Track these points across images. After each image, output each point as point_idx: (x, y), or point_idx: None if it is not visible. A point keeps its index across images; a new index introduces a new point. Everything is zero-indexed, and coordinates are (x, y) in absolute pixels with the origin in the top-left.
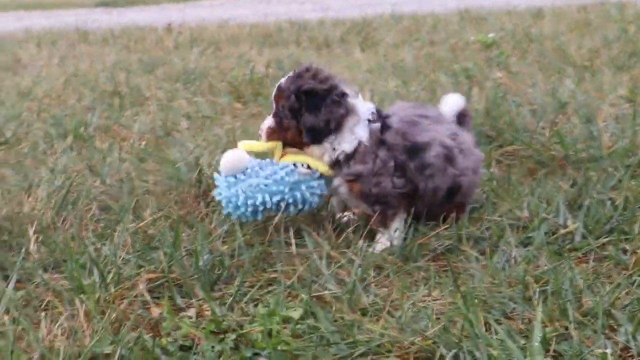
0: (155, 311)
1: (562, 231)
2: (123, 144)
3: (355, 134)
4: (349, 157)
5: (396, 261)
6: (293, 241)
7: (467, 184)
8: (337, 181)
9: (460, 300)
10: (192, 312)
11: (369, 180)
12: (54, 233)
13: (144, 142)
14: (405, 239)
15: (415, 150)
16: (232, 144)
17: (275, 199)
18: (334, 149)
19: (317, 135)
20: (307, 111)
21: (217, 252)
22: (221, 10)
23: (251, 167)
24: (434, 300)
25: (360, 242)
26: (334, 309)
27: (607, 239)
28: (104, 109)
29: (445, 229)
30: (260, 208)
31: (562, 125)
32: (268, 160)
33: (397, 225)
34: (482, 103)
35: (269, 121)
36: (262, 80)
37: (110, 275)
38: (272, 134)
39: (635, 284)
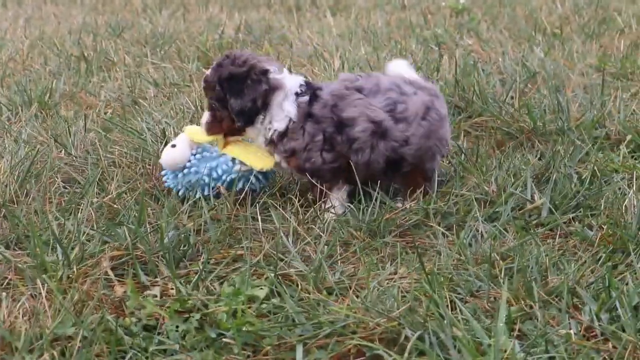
0: (119, 290)
1: (529, 206)
2: (89, 112)
3: (285, 110)
4: (282, 134)
5: (363, 237)
6: (259, 217)
7: (414, 152)
8: (277, 157)
9: (426, 278)
10: (156, 290)
11: (301, 156)
12: (16, 207)
13: (110, 111)
14: (373, 213)
15: (341, 125)
16: (199, 114)
17: (214, 192)
18: (268, 128)
19: (247, 117)
20: (232, 96)
21: (183, 229)
22: None
23: (191, 163)
24: (400, 278)
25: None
26: (299, 287)
27: (573, 214)
28: (70, 74)
29: (413, 204)
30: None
31: (531, 96)
32: (209, 150)
33: (336, 196)
34: (452, 72)
35: (206, 116)
36: (231, 45)
37: (74, 253)
38: (211, 128)
39: (600, 261)
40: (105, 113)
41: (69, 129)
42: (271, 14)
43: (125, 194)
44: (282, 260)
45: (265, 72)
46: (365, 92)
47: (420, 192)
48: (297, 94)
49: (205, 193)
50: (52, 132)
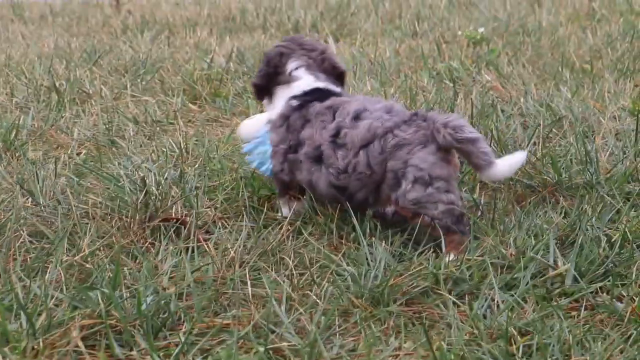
0: None
1: (552, 273)
2: (60, 154)
3: (279, 104)
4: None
5: (366, 305)
6: (249, 281)
7: (355, 182)
8: None
9: (433, 356)
10: None
11: (272, 152)
12: None
13: (84, 152)
14: (376, 278)
15: (298, 144)
16: (184, 158)
17: None
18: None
19: (257, 91)
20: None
21: (163, 293)
22: None
23: (263, 135)
24: (405, 355)
25: (325, 282)
26: None
27: (601, 284)
28: (40, 108)
29: (420, 268)
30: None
31: (557, 143)
32: None
33: (285, 210)
34: (468, 112)
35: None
36: (221, 76)
37: (40, 320)
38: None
39: (631, 339)
40: (78, 154)
41: (37, 174)
42: (267, 39)
43: (99, 251)
44: (273, 332)
45: (285, 60)
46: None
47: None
48: (294, 96)
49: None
50: (17, 177)
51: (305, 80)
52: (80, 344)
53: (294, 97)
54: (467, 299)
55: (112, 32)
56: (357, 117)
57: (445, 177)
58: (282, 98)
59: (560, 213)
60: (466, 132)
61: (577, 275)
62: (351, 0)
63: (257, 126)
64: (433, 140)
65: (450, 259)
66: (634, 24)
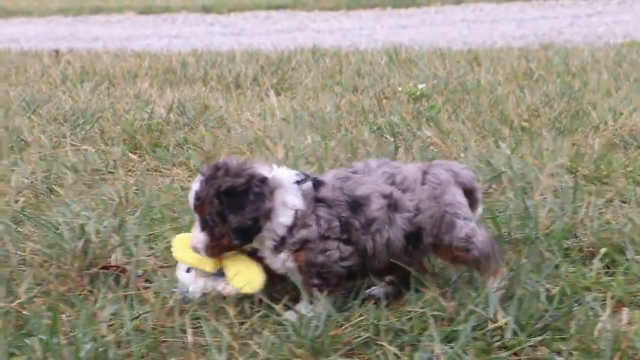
0: None
1: (491, 326)
2: None
3: (289, 204)
4: (290, 228)
5: (306, 355)
6: (189, 329)
7: (428, 218)
8: (283, 256)
9: None
10: None
11: (315, 246)
12: None
13: (21, 199)
14: (317, 328)
15: (356, 205)
16: (123, 206)
17: None
18: (273, 230)
19: (247, 235)
20: (231, 212)
21: (101, 341)
22: (119, 29)
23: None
24: None
25: (266, 331)
26: None
27: (540, 337)
28: None
29: (361, 319)
30: None
31: (496, 199)
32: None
33: (326, 302)
34: None
35: (200, 237)
36: (161, 127)
37: None
38: (212, 249)
39: None
40: (16, 202)
41: None
42: (207, 92)
43: (37, 298)
44: None
45: (264, 181)
46: (361, 172)
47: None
48: (297, 182)
49: None
50: None
51: (281, 172)
52: None
53: (298, 182)
54: (407, 350)
55: (51, 81)
56: (395, 167)
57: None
58: (286, 198)
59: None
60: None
61: (516, 329)
62: (292, 55)
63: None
64: (456, 182)
65: (496, 285)
66: (571, 84)
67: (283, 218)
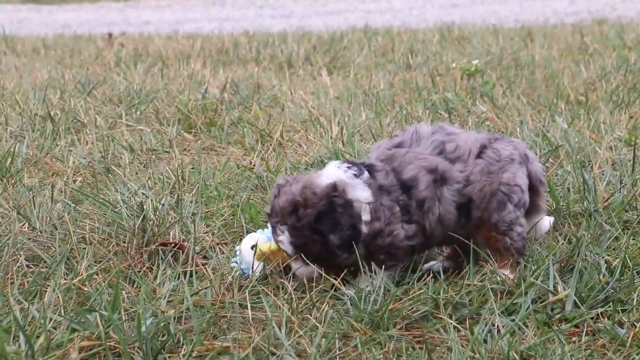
0: None
1: (552, 298)
2: (56, 181)
3: (362, 199)
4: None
5: (365, 329)
6: (249, 304)
7: (478, 191)
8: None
9: None
10: None
11: (383, 233)
12: None
13: (79, 179)
14: (376, 302)
15: (406, 188)
16: (180, 184)
17: None
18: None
19: (350, 245)
20: (330, 233)
21: (162, 316)
22: (169, 13)
23: None
24: None
25: (324, 306)
26: None
27: (602, 309)
28: (35, 136)
29: (420, 293)
30: None
31: (554, 172)
32: None
33: (387, 276)
34: None
35: (311, 270)
36: (216, 106)
37: (39, 342)
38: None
39: None
40: (74, 182)
41: (33, 200)
42: (260, 71)
43: (97, 275)
44: (273, 354)
45: (335, 188)
46: (406, 144)
47: (509, 257)
48: (355, 175)
49: None
50: (14, 203)
51: (335, 169)
52: None
53: (357, 176)
54: (467, 323)
55: (105, 64)
56: (449, 133)
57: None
58: (355, 195)
59: (560, 240)
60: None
61: (577, 301)
62: (344, 34)
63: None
64: (524, 163)
65: (511, 277)
66: (627, 58)
67: (365, 215)
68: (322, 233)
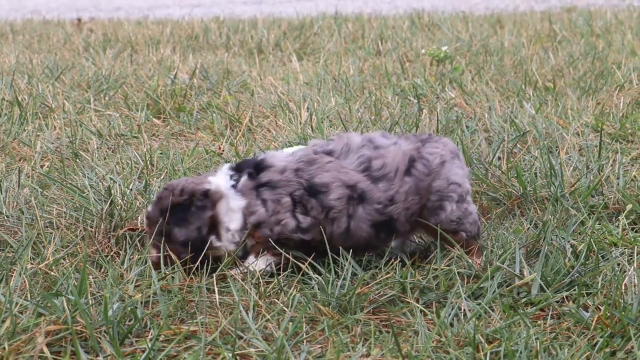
0: None
1: (518, 282)
2: (23, 166)
3: (235, 208)
4: (242, 228)
5: (333, 313)
6: (216, 288)
7: (403, 211)
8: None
9: None
10: None
11: (268, 223)
12: None
13: (47, 164)
14: (343, 287)
15: (313, 191)
16: (149, 170)
17: None
18: (230, 233)
19: (196, 247)
20: (176, 226)
21: (129, 300)
22: None
23: None
24: None
25: (292, 290)
26: None
27: (567, 293)
28: (2, 121)
29: (387, 277)
30: None
31: (521, 157)
32: None
33: (262, 265)
34: (433, 128)
35: (153, 253)
36: (185, 92)
37: (5, 326)
38: (165, 264)
39: (597, 346)
40: (41, 167)
41: (0, 185)
42: (230, 57)
43: (64, 259)
44: (240, 338)
45: (206, 193)
46: (336, 154)
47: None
48: (233, 186)
49: None
50: None
51: (221, 176)
52: (45, 349)
53: (234, 183)
54: (434, 307)
55: (74, 49)
56: (378, 147)
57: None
58: (230, 204)
59: (526, 224)
60: None
61: (543, 285)
62: (314, 20)
63: None
64: (456, 156)
65: (478, 262)
66: (595, 45)
67: (234, 224)
68: (170, 223)
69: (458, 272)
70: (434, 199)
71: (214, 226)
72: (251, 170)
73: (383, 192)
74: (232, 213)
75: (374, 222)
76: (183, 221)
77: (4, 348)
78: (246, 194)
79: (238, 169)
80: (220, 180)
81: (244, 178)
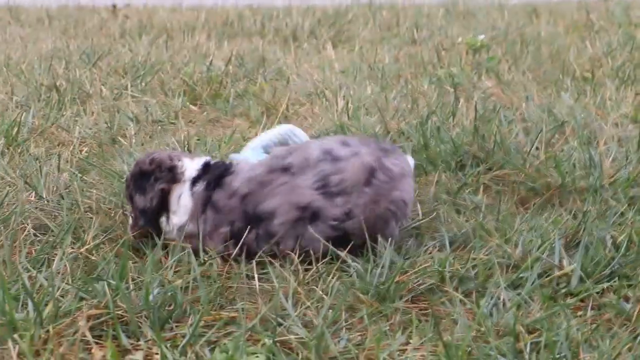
0: (98, 354)
1: (557, 273)
2: (62, 151)
3: (182, 204)
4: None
5: (372, 302)
6: (255, 275)
7: (358, 226)
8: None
9: (443, 351)
10: (139, 355)
11: (197, 240)
12: None
13: (85, 149)
14: (382, 275)
15: (256, 219)
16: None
17: None
18: (172, 226)
19: (149, 216)
20: (137, 193)
21: (169, 286)
22: None
23: None
24: (413, 349)
25: (331, 278)
26: (300, 356)
27: (607, 284)
28: (40, 106)
29: (425, 266)
30: None
31: (559, 148)
32: None
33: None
34: (470, 117)
35: (130, 221)
36: (221, 79)
37: (47, 309)
38: (133, 230)
39: (639, 338)
40: (80, 152)
41: (39, 169)
42: (265, 44)
43: (104, 244)
44: (280, 324)
45: (171, 169)
46: (295, 169)
47: None
48: (193, 181)
49: None
50: (20, 172)
51: (190, 165)
52: (87, 333)
53: (194, 181)
54: (473, 297)
55: (109, 35)
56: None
57: None
58: (181, 195)
59: (565, 216)
60: None
61: (583, 276)
62: (348, 8)
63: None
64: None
65: None
66: (633, 35)
67: (177, 218)
68: (131, 190)
69: (497, 262)
70: (389, 210)
71: (165, 205)
72: (211, 180)
73: (339, 207)
74: (179, 207)
75: (329, 237)
76: (142, 189)
77: (48, 331)
78: (196, 201)
79: (205, 170)
80: (190, 168)
81: (203, 185)
